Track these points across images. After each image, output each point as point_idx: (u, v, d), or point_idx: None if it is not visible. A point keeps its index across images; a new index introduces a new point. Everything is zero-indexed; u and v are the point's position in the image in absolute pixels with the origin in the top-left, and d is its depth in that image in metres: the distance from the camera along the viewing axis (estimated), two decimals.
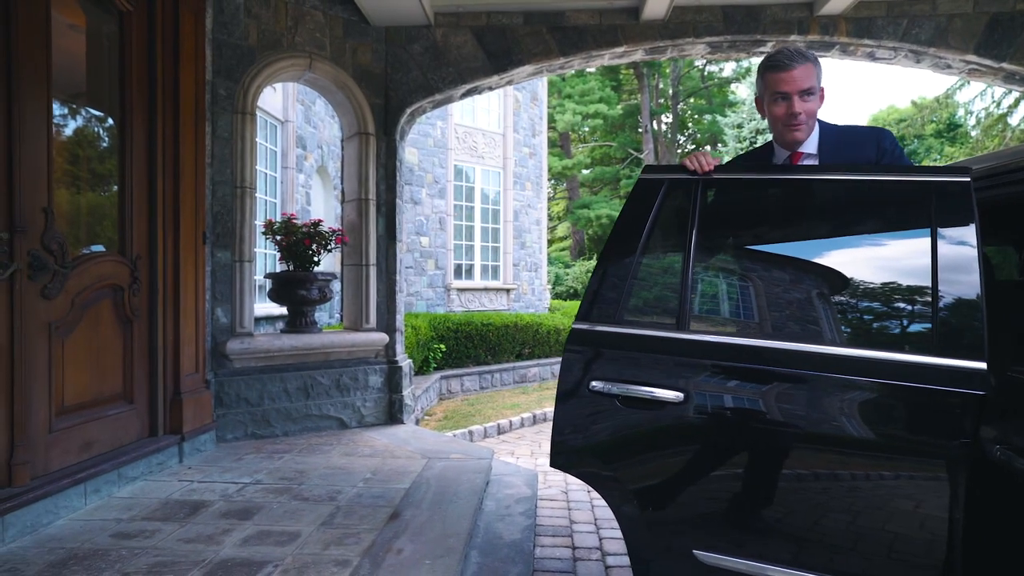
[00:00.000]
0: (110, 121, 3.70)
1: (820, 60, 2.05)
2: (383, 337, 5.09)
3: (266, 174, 7.20)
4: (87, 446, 3.33)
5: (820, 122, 2.05)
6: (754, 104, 2.17)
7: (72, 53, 3.56)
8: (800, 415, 1.80)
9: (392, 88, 5.16)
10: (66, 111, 3.46)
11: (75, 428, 3.26)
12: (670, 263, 2.16)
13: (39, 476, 3.00)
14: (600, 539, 3.67)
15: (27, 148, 2.94)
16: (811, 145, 2.03)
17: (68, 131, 3.48)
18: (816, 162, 2.02)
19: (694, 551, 1.89)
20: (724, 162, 2.20)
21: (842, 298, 1.94)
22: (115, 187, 3.69)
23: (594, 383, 2.03)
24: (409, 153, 11.27)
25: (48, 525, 2.93)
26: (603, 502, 4.25)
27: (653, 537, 1.96)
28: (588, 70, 29.59)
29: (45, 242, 3.05)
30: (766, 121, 2.12)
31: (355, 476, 3.75)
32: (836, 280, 1.97)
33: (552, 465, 2.12)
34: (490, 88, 5.44)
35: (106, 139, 3.70)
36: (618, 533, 3.78)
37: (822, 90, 1.98)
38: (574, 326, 2.14)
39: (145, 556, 2.61)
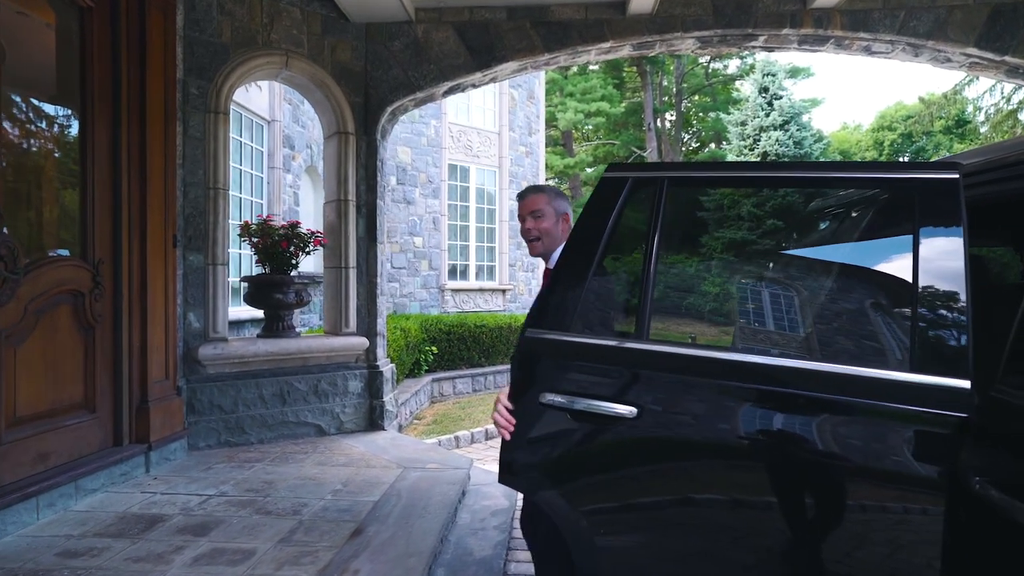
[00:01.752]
0: (71, 121, 3.58)
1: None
2: (363, 341, 4.96)
3: (252, 175, 7.08)
4: (43, 457, 3.21)
5: None
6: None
7: (31, 50, 3.44)
8: (763, 433, 1.65)
9: (372, 86, 5.03)
10: (23, 110, 3.34)
11: (29, 439, 3.14)
12: (630, 267, 2.02)
13: None
14: None
15: None
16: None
17: (24, 131, 3.36)
18: None
19: None
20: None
21: (811, 305, 1.79)
22: (77, 190, 3.57)
23: (545, 395, 1.89)
24: (402, 152, 11.14)
25: None
26: None
27: (603, 561, 1.82)
28: (591, 67, 29.39)
29: None
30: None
31: (324, 488, 3.61)
32: (806, 285, 1.82)
33: (500, 482, 1.98)
34: (473, 86, 5.29)
35: (67, 140, 3.58)
36: None
37: (566, 215, 2.38)
38: (525, 334, 1.99)
39: None
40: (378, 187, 5.13)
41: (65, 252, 3.63)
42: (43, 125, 3.63)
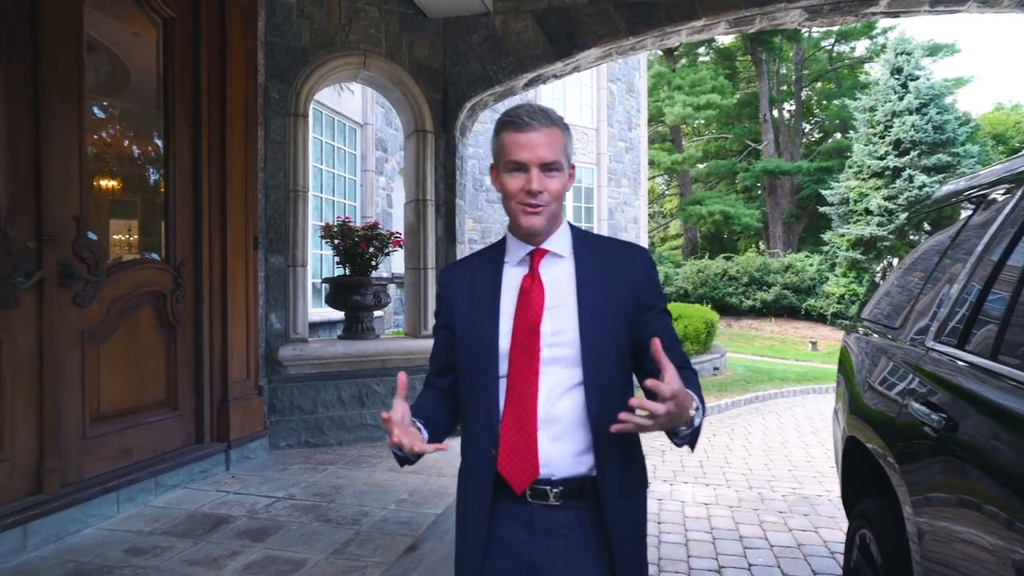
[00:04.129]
0: (155, 128, 3.71)
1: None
2: None
3: (345, 178, 7.23)
4: (125, 453, 3.33)
5: (571, 225, 1.44)
6: (490, 174, 1.39)
7: (114, 60, 3.59)
8: None
9: (451, 82, 4.91)
10: (107, 117, 3.50)
11: (112, 435, 3.25)
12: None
13: (70, 483, 3.00)
14: None
15: (56, 157, 2.94)
16: (560, 244, 1.37)
17: (109, 138, 3.51)
18: (571, 265, 1.36)
19: None
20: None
21: None
22: (160, 194, 3.70)
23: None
24: None
25: (74, 534, 2.91)
26: (672, 538, 3.74)
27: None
28: (700, 59, 28.19)
29: (76, 250, 3.04)
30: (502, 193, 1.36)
31: (390, 496, 3.50)
32: None
33: None
34: (555, 76, 5.04)
35: (150, 146, 3.72)
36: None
37: (572, 168, 1.36)
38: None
39: None
40: (457, 186, 5.00)
41: (155, 256, 3.78)
42: (122, 131, 3.79)
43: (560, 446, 1.27)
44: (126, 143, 3.71)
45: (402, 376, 1.24)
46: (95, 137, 3.39)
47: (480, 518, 1.31)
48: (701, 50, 28.36)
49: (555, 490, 1.27)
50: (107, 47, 3.56)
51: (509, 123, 1.30)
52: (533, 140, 1.27)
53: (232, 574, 2.54)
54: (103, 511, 3.10)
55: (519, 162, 1.28)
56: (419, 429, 1.29)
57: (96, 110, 3.44)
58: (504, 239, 1.43)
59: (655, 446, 6.76)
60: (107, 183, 3.52)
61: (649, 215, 23.87)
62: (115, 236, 3.67)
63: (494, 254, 1.42)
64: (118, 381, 3.32)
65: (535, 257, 1.35)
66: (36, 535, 2.77)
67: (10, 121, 2.77)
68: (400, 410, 1.22)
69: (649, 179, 24.41)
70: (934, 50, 23.17)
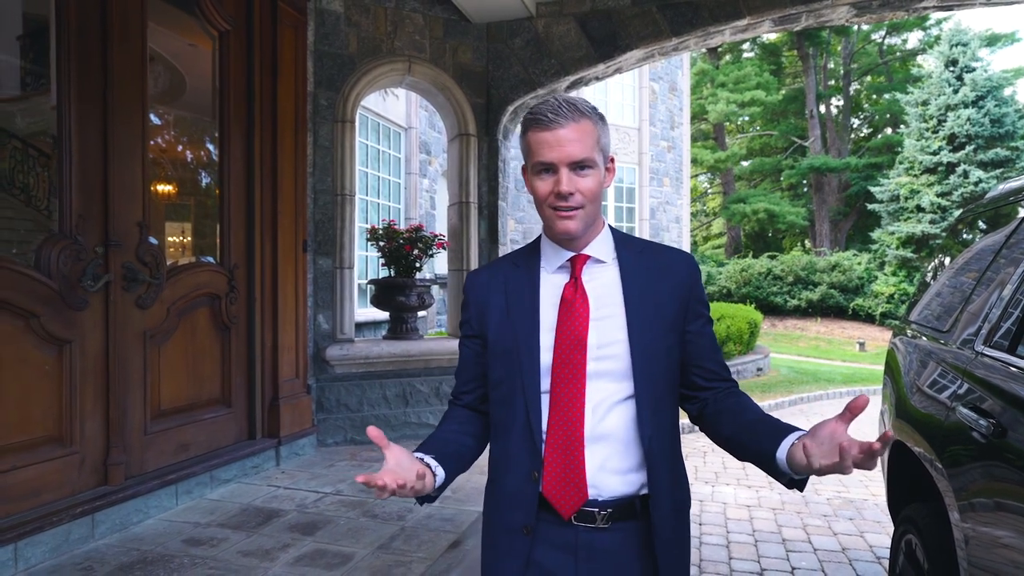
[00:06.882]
0: (209, 135, 3.87)
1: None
2: None
3: (390, 180, 7.38)
4: (183, 448, 3.49)
5: (611, 227, 1.33)
6: (522, 176, 1.35)
7: (172, 70, 3.76)
8: None
9: (493, 86, 4.97)
10: (164, 125, 3.66)
11: (172, 431, 3.42)
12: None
13: (134, 476, 3.16)
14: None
15: (122, 166, 3.11)
16: (601, 248, 1.27)
17: (166, 144, 3.68)
18: (615, 272, 1.26)
19: None
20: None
21: None
22: (214, 200, 3.85)
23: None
24: None
25: (137, 524, 3.07)
26: (714, 540, 3.72)
27: None
28: (745, 55, 27.68)
29: (139, 255, 3.21)
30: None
31: None
32: None
33: None
34: (597, 78, 5.05)
35: (204, 152, 3.88)
36: None
37: (612, 161, 1.26)
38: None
39: (201, 567, 2.62)
40: (500, 188, 5.06)
41: (210, 259, 3.95)
42: (180, 139, 3.96)
43: (608, 465, 1.19)
44: (182, 149, 3.89)
45: (372, 430, 1.09)
46: (152, 143, 3.55)
47: (517, 545, 1.20)
48: (745, 46, 27.84)
49: (603, 512, 1.18)
50: (166, 58, 3.73)
51: (533, 121, 1.19)
52: (560, 137, 1.16)
53: (284, 566, 2.65)
54: (163, 503, 3.26)
55: (547, 163, 1.18)
56: (428, 467, 1.16)
57: (155, 118, 3.60)
58: (538, 242, 1.32)
59: (697, 447, 6.70)
60: (165, 189, 3.69)
61: (691, 214, 23.57)
62: (171, 238, 3.84)
63: (528, 259, 1.31)
64: (176, 379, 3.48)
65: (576, 263, 1.25)
66: (103, 524, 2.93)
67: (82, 133, 2.94)
68: (392, 460, 1.10)
69: (692, 177, 24.09)
70: (992, 40, 22.24)
